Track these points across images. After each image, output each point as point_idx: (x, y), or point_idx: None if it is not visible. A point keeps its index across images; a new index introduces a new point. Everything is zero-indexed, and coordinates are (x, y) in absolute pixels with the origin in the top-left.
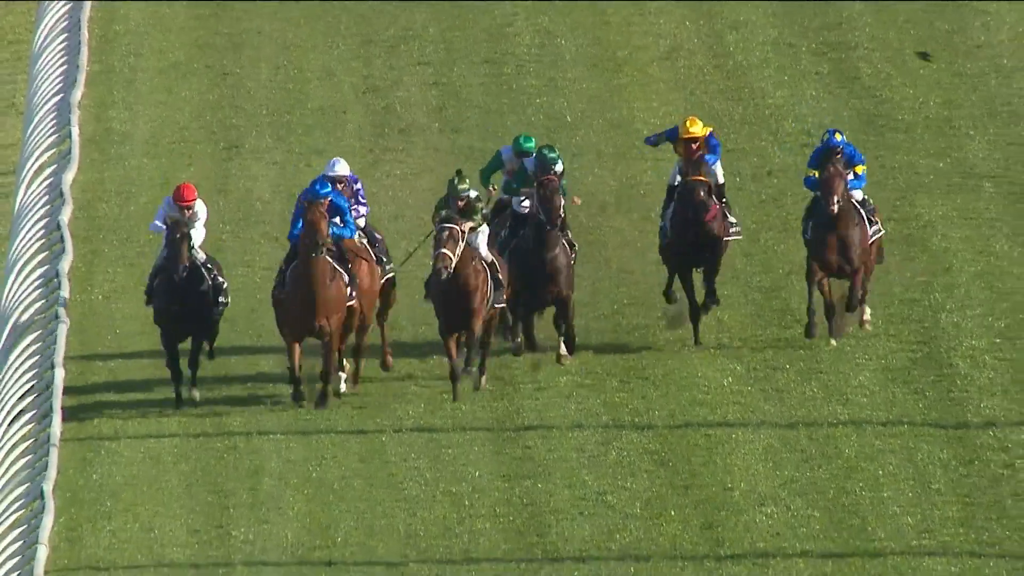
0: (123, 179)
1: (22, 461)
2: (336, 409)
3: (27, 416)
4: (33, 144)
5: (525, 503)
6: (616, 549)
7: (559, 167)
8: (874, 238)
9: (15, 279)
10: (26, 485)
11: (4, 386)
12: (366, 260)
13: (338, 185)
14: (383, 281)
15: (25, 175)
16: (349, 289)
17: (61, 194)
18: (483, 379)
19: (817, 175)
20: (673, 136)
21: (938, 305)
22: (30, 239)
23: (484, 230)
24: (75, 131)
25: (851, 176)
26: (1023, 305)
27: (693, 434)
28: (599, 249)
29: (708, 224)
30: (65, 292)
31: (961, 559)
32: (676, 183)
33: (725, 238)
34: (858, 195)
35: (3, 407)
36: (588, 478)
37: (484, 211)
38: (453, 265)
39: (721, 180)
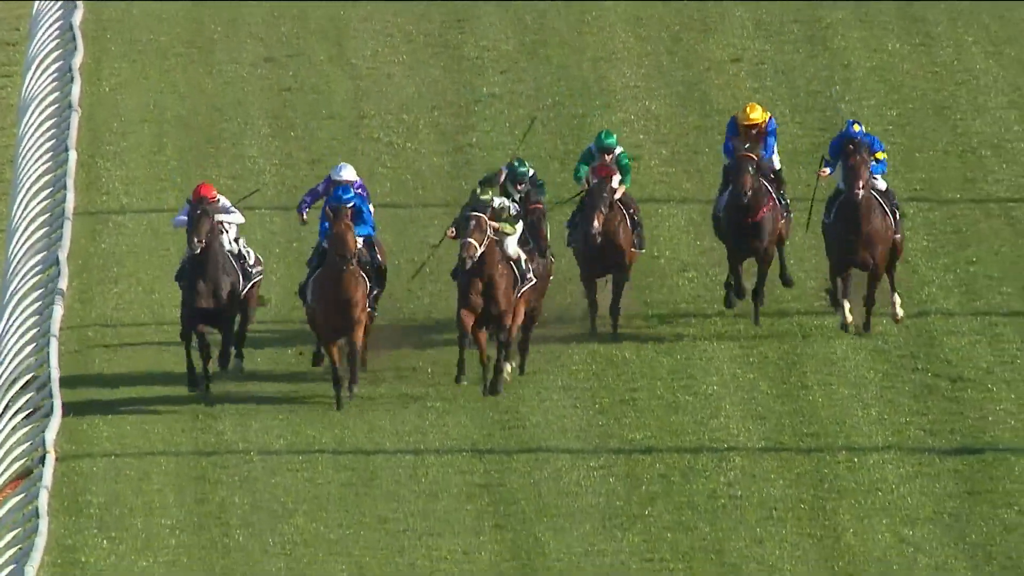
0: None
1: (40, 232)
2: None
3: (44, 193)
4: None
5: None
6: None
7: (530, 174)
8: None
9: (33, 74)
10: (43, 253)
11: (24, 167)
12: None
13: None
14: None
15: None
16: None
17: None
18: (510, 366)
19: (838, 164)
20: (733, 128)
21: (838, 96)
22: (46, 39)
23: (515, 234)
24: None
25: (873, 162)
26: (912, 96)
27: None
28: (540, 47)
29: (759, 221)
30: (77, 87)
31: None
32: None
33: (779, 223)
34: (881, 184)
35: (23, 184)
36: None
37: (512, 213)
38: (478, 254)
39: (778, 166)
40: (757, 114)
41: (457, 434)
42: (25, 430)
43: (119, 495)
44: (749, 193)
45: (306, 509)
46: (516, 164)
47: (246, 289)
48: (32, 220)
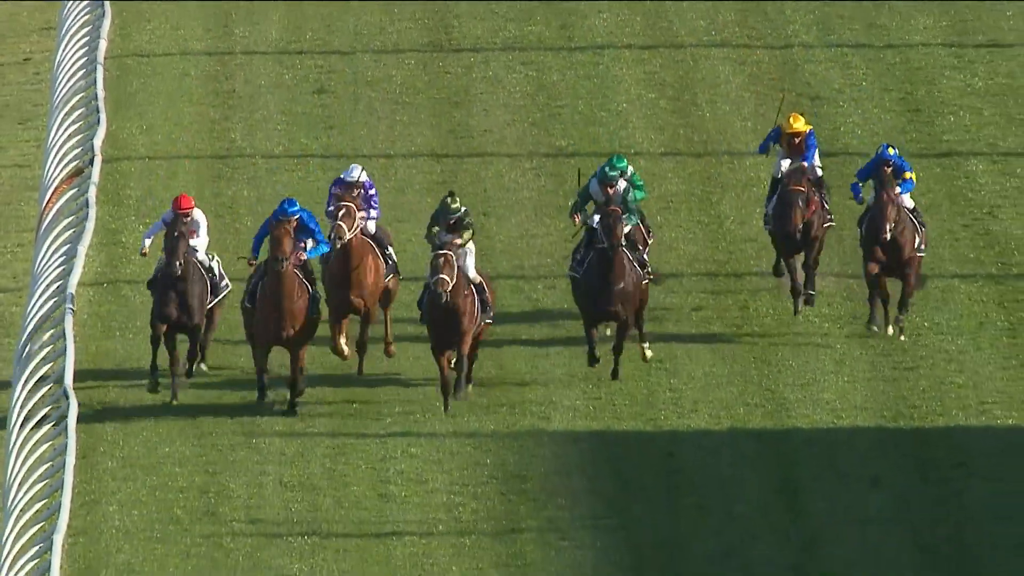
0: None
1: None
2: None
3: None
4: None
5: (436, 10)
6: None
7: (621, 185)
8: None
9: None
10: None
11: None
12: (372, 257)
13: (354, 190)
14: (388, 280)
15: None
16: (312, 304)
17: None
18: (469, 388)
19: (863, 186)
20: (777, 135)
21: None
22: None
23: (471, 249)
24: None
25: (900, 182)
26: None
27: None
28: None
29: (807, 221)
30: None
31: (740, 51)
32: (779, 175)
33: (824, 226)
34: (909, 203)
35: None
36: None
37: (471, 225)
38: (450, 287)
39: (820, 173)
40: (800, 124)
41: (420, 142)
42: (77, 138)
43: (152, 190)
44: (801, 228)
45: (300, 201)
46: (607, 168)
47: (212, 303)
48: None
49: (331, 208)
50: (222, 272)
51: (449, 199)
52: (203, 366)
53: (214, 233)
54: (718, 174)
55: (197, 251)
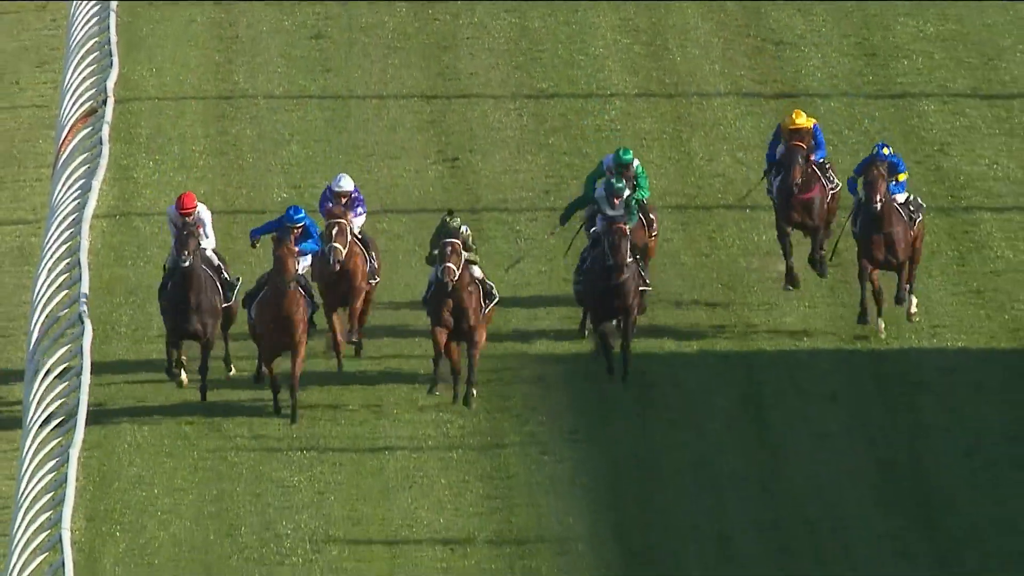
0: None
1: None
2: None
3: None
4: None
5: None
6: None
7: (626, 193)
8: (916, 231)
9: None
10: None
11: None
12: (360, 254)
13: (342, 199)
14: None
15: None
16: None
17: None
18: (474, 391)
19: (860, 180)
20: (778, 133)
21: None
22: None
23: (478, 261)
24: None
25: (893, 183)
26: None
27: None
28: None
29: (808, 199)
30: None
31: None
32: (779, 155)
33: (826, 203)
34: (900, 198)
35: None
36: None
37: (475, 247)
38: (457, 275)
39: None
40: (802, 120)
41: (411, 84)
42: (91, 79)
43: (161, 128)
44: (800, 182)
45: (299, 139)
46: (615, 181)
47: (226, 304)
48: None
49: (326, 223)
50: (233, 279)
51: (448, 217)
52: (231, 369)
53: (218, 169)
54: (688, 114)
55: (206, 250)
